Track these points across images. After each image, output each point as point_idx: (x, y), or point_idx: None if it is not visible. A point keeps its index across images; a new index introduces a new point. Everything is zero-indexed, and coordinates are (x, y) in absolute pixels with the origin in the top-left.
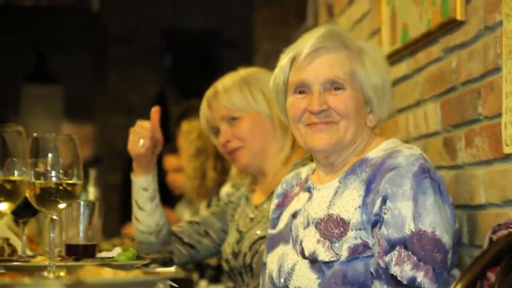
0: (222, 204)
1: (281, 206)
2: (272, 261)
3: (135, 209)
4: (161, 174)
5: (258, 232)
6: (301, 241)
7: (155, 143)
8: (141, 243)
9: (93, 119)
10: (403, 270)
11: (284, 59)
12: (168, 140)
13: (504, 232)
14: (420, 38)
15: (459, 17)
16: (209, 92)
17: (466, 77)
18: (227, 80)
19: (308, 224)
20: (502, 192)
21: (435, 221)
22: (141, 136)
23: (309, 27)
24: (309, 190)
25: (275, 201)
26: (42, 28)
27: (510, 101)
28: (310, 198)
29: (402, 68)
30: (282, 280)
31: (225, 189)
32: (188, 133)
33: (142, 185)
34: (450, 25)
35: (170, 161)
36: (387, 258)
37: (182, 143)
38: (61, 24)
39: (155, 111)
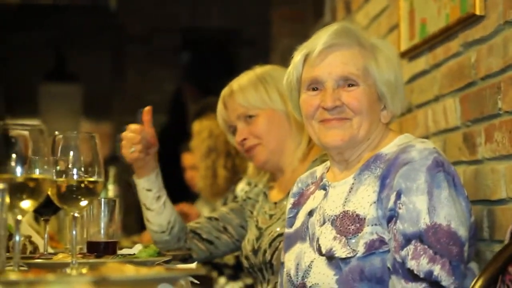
0: (241, 200)
1: (297, 205)
2: (289, 259)
3: (143, 210)
4: (181, 171)
5: (278, 229)
6: (318, 239)
7: (147, 144)
8: (157, 242)
9: (111, 118)
10: (420, 264)
11: (297, 56)
12: (186, 138)
13: None
14: (439, 33)
15: (478, 12)
16: (224, 92)
17: (486, 71)
18: (242, 79)
19: (324, 222)
20: None
21: (450, 214)
22: (131, 140)
23: (327, 23)
24: (324, 188)
25: (291, 200)
26: (60, 27)
27: None
28: (325, 195)
29: (421, 63)
30: (299, 278)
31: (241, 186)
32: (199, 133)
33: (145, 186)
34: (469, 20)
35: (187, 159)
36: (403, 253)
37: (195, 143)
38: (79, 23)
39: (146, 112)
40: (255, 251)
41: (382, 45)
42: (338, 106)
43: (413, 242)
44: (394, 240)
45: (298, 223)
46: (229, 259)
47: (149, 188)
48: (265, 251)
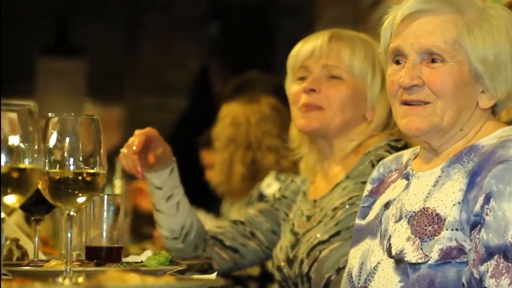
0: (272, 200)
1: (375, 194)
2: (355, 256)
3: (153, 212)
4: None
5: (318, 236)
6: (390, 237)
7: (145, 144)
8: (169, 250)
9: (122, 100)
10: (500, 284)
11: (385, 22)
12: (212, 127)
13: None
14: None
15: None
16: None
17: None
18: None
19: (400, 218)
20: None
21: None
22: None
23: None
24: (407, 177)
25: (368, 187)
26: None
27: None
28: (407, 186)
29: None
30: (361, 281)
31: (267, 181)
32: (222, 118)
33: (155, 183)
34: None
35: (206, 157)
36: (482, 268)
37: (217, 130)
38: None
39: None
40: (289, 261)
41: (493, 11)
42: (417, 85)
43: (495, 257)
44: (475, 251)
45: (372, 215)
46: (254, 270)
47: (159, 186)
48: (302, 262)
